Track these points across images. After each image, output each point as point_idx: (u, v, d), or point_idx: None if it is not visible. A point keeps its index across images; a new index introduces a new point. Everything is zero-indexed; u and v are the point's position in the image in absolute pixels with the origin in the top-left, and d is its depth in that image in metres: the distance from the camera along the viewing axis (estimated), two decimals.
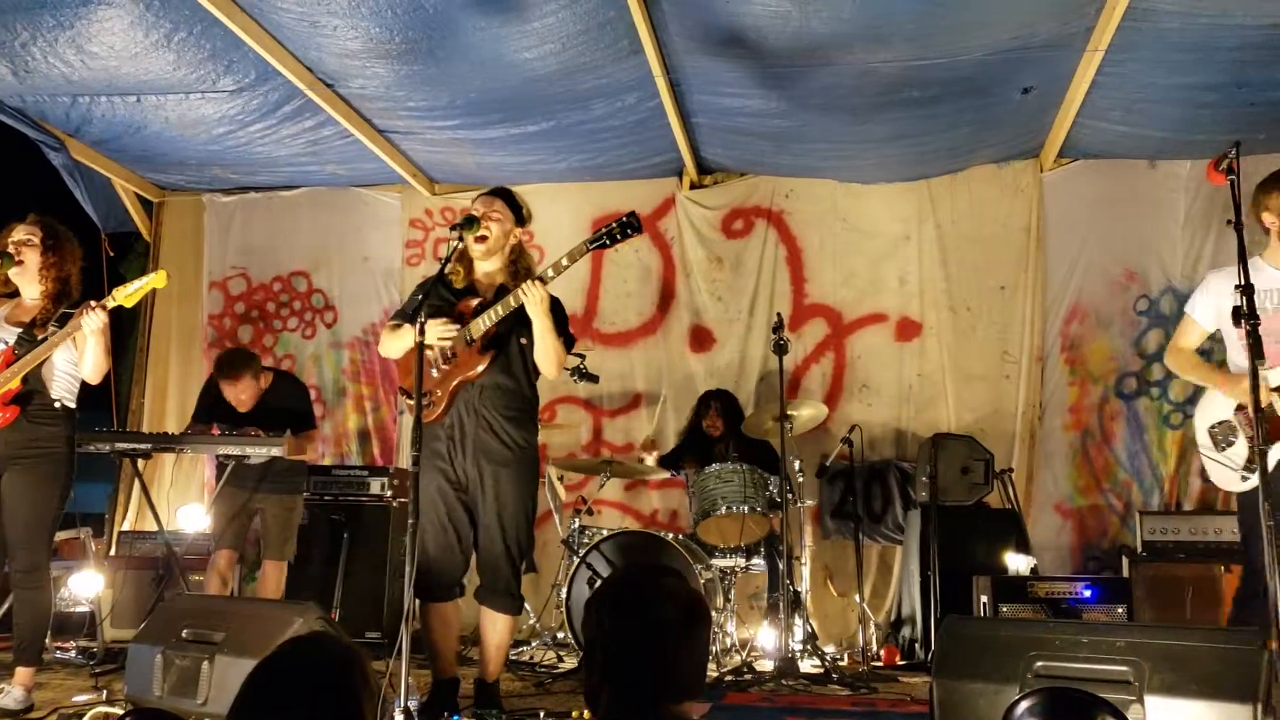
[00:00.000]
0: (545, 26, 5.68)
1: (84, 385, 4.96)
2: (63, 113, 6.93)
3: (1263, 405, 3.81)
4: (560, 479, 7.11)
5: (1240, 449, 4.24)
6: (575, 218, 7.84)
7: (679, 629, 2.26)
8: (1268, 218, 4.36)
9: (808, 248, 7.79)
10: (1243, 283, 3.80)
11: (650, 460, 7.05)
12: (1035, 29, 5.65)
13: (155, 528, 6.15)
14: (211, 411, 6.36)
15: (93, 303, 4.70)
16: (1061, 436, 7.32)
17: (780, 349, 6.16)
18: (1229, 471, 4.31)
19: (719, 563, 6.37)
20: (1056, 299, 7.39)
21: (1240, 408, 4.25)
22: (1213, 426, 4.39)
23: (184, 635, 4.15)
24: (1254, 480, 3.93)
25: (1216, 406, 4.40)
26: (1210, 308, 4.50)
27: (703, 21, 5.67)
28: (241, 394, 6.26)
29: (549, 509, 7.10)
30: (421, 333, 4.07)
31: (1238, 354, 4.32)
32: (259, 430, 5.97)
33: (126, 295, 4.78)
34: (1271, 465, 4.04)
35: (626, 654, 2.27)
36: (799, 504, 6.51)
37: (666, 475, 7.15)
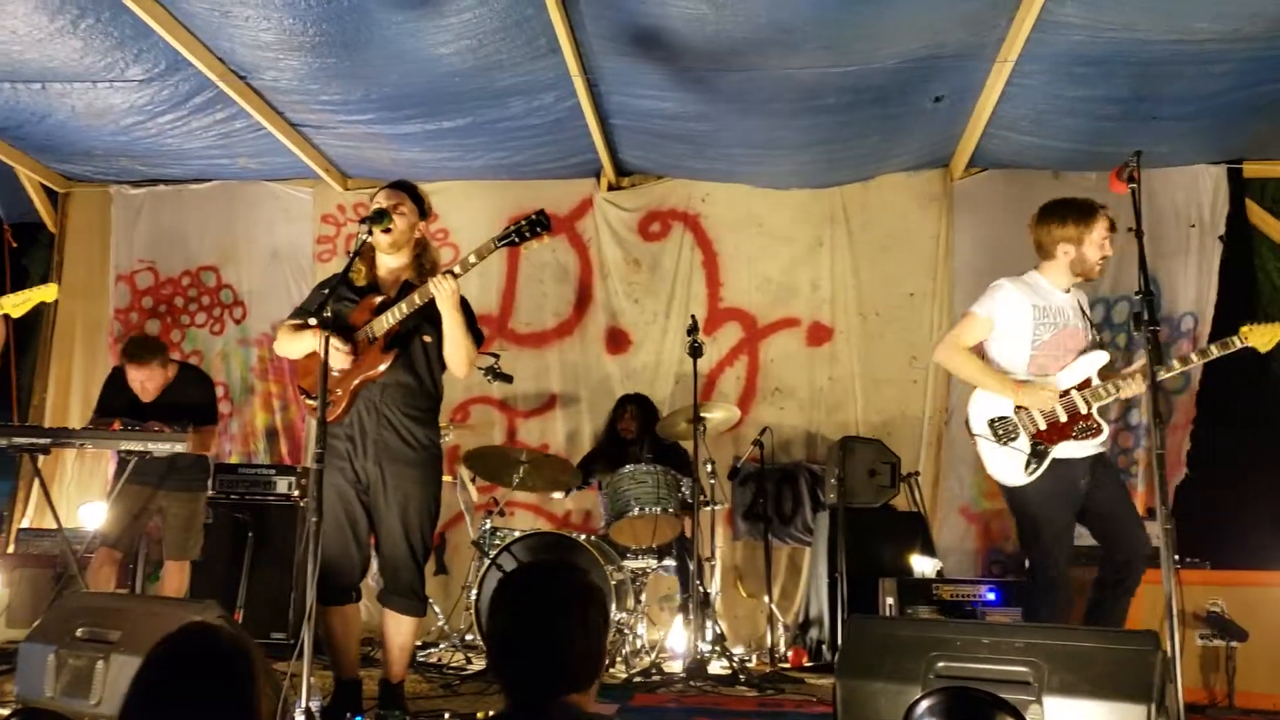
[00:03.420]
0: (462, 22, 5.64)
1: None
2: None
3: (1049, 409, 4.57)
4: (472, 480, 7.07)
5: (1024, 443, 4.61)
6: (491, 216, 7.79)
7: (561, 619, 2.27)
8: (1063, 247, 4.73)
9: (723, 251, 7.84)
10: (1143, 289, 3.94)
11: (560, 496, 7.16)
12: (946, 38, 5.74)
13: (54, 525, 6.00)
14: (115, 403, 6.23)
15: None
16: (967, 441, 7.28)
17: (695, 352, 6.16)
18: (1014, 460, 4.64)
19: (631, 564, 6.38)
20: (963, 306, 7.44)
21: (1020, 408, 4.64)
22: (993, 420, 4.71)
23: (79, 634, 4.05)
24: (1035, 475, 4.56)
25: (995, 401, 4.73)
26: (1006, 315, 4.77)
27: (619, 22, 5.68)
28: (147, 381, 6.14)
29: (460, 510, 7.06)
30: (326, 328, 4.01)
31: (1012, 363, 4.74)
32: (162, 425, 5.85)
33: (14, 305, 4.69)
34: (1049, 461, 4.58)
35: (512, 647, 2.29)
36: (711, 506, 6.53)
37: (578, 487, 7.16)
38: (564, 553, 6.20)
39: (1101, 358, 4.66)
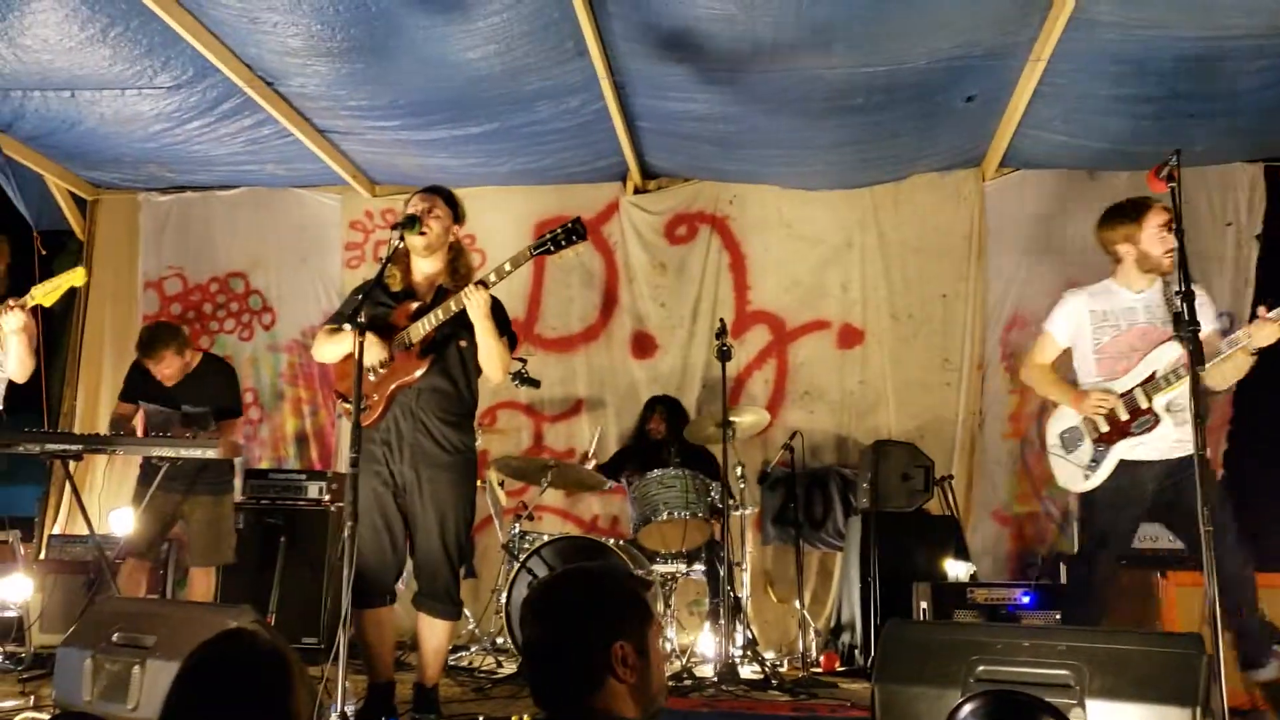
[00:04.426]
0: (489, 26, 5.63)
1: (14, 386, 4.86)
2: None
3: (1106, 410, 4.65)
4: (501, 484, 7.05)
5: (1085, 451, 4.75)
6: (518, 221, 7.81)
7: (549, 623, 2.29)
8: (1122, 248, 4.77)
9: (751, 254, 7.80)
10: (1183, 289, 3.89)
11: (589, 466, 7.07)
12: (978, 38, 5.70)
13: (86, 531, 6.00)
14: (137, 390, 6.26)
15: (11, 301, 4.61)
16: (1001, 444, 7.38)
17: (723, 355, 6.14)
18: (1075, 470, 4.78)
19: (659, 568, 6.35)
20: (997, 308, 7.46)
21: (1085, 417, 4.75)
22: (1063, 431, 4.85)
23: (114, 639, 4.06)
24: (1095, 480, 4.64)
25: (1068, 414, 4.85)
26: (1068, 326, 4.94)
27: (648, 24, 5.65)
28: (166, 369, 6.14)
29: (490, 514, 7.05)
30: (362, 333, 4.01)
31: (1084, 371, 4.89)
32: (185, 425, 5.88)
33: (45, 294, 4.70)
34: (1114, 464, 4.64)
35: (534, 653, 2.33)
36: (740, 510, 6.50)
37: (608, 486, 7.13)
38: (592, 557, 6.16)
39: (1170, 351, 4.58)
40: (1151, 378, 4.61)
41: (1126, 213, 4.79)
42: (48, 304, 4.77)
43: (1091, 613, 4.71)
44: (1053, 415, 4.95)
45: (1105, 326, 4.77)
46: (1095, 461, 4.66)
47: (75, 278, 4.83)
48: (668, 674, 5.86)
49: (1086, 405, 4.69)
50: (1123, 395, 4.64)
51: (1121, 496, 4.66)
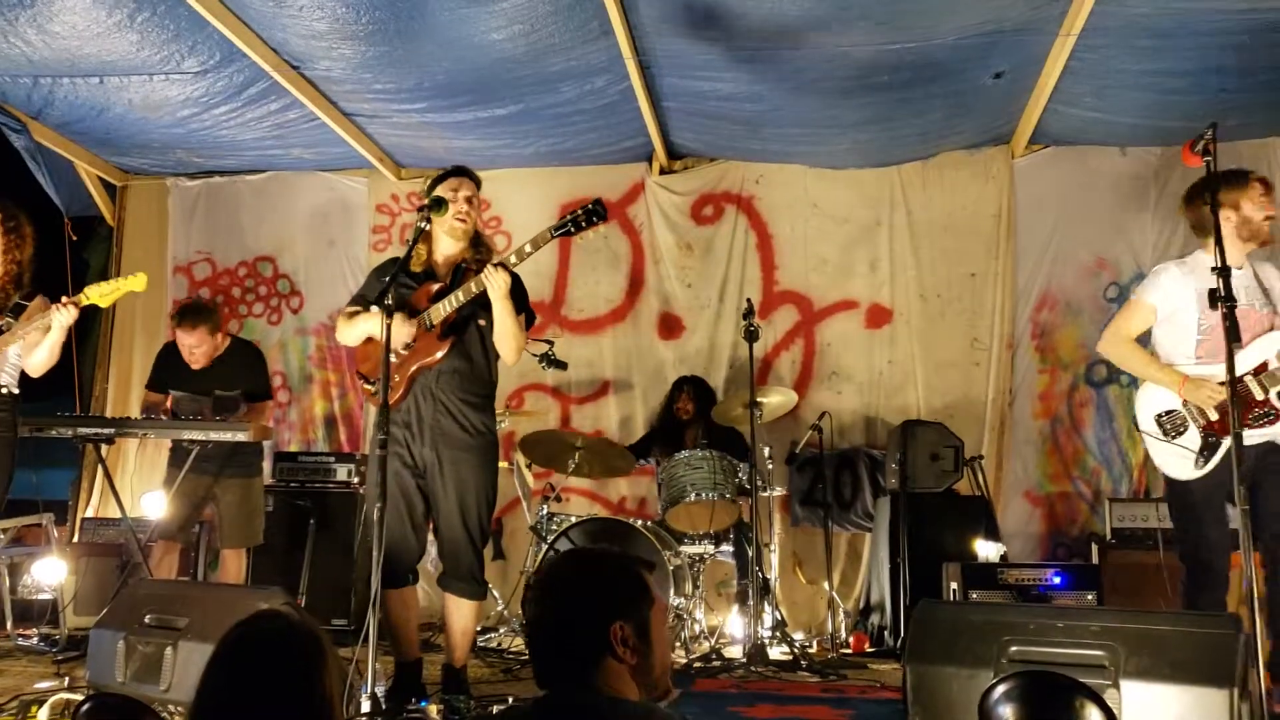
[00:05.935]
0: (514, 7, 5.61)
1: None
2: (24, 94, 6.81)
3: (1219, 400, 4.28)
4: (528, 466, 7.06)
5: (1193, 438, 4.40)
6: (544, 203, 7.79)
7: (577, 604, 2.28)
8: (1223, 213, 4.34)
9: (778, 234, 7.76)
10: (1219, 264, 3.82)
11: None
12: (1007, 13, 5.63)
13: (119, 514, 6.06)
14: (166, 378, 6.29)
15: (65, 299, 4.61)
16: (1031, 424, 7.33)
17: (750, 336, 6.12)
18: (1182, 456, 4.42)
19: (688, 549, 6.35)
20: (1027, 286, 7.40)
21: (1192, 405, 4.39)
22: (1160, 415, 4.52)
23: (147, 621, 4.10)
24: (1209, 467, 4.31)
25: (1162, 395, 4.52)
26: (1167, 301, 4.55)
27: (672, 3, 5.62)
28: (196, 348, 6.12)
29: (518, 496, 7.06)
30: (390, 314, 4.01)
31: (1177, 351, 4.51)
32: (213, 405, 5.93)
33: (101, 295, 4.70)
34: (1225, 451, 4.28)
35: (535, 632, 2.34)
36: (768, 491, 6.48)
37: (638, 465, 7.12)
38: (620, 538, 6.17)
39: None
40: (1264, 367, 4.35)
41: (1230, 179, 4.46)
42: (104, 305, 4.79)
43: (1219, 596, 4.37)
44: (1143, 393, 4.60)
45: (1209, 306, 4.30)
46: (1209, 450, 4.34)
47: (136, 283, 4.83)
48: (698, 655, 5.87)
49: (1201, 395, 4.36)
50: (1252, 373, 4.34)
51: (1220, 482, 4.33)
